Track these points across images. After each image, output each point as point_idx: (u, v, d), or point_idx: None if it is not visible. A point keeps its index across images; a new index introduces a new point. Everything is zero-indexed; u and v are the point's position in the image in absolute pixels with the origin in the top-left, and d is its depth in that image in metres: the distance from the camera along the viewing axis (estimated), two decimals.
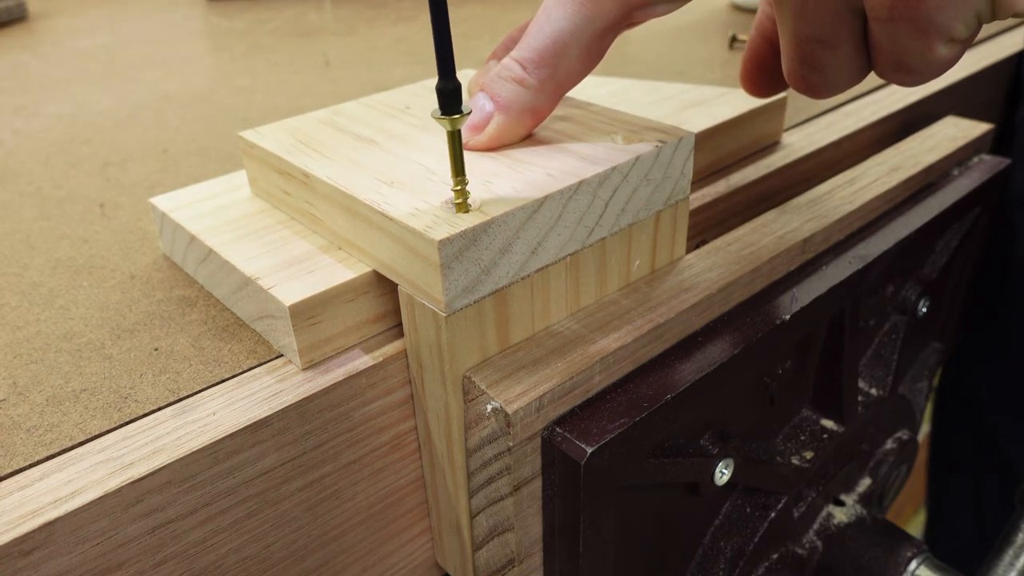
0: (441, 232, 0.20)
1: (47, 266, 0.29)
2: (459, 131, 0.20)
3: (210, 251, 0.25)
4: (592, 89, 0.38)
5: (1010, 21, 0.56)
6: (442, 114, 0.20)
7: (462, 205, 0.21)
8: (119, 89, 0.51)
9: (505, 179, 0.22)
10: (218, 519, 0.21)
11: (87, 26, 0.68)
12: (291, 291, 0.22)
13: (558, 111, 0.27)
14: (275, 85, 0.50)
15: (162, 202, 0.28)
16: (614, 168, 0.23)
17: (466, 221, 0.20)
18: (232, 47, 0.60)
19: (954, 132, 0.39)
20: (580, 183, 0.22)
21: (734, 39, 0.53)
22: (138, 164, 0.38)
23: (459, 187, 0.21)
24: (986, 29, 0.54)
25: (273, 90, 0.49)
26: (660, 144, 0.24)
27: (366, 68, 0.53)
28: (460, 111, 0.20)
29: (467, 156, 0.20)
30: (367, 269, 0.23)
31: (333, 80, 0.50)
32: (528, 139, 0.25)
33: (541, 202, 0.21)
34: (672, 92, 0.36)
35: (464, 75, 0.31)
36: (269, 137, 0.27)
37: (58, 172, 0.38)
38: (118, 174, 0.37)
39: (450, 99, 0.20)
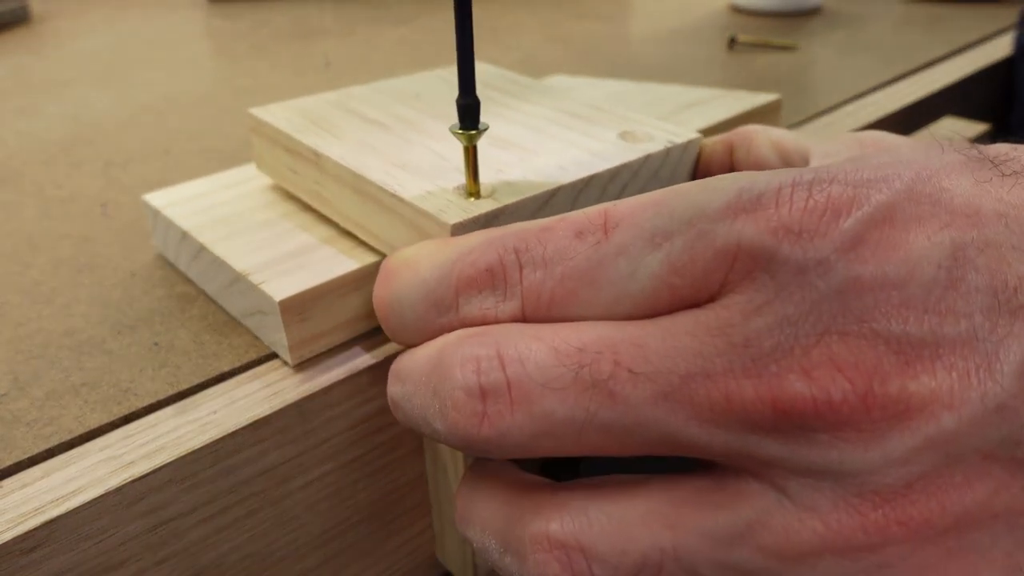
0: (454, 216, 0.20)
1: (49, 265, 0.29)
2: (475, 146, 0.21)
3: (201, 247, 0.25)
4: (588, 91, 0.38)
5: (1010, 19, 0.56)
6: (460, 128, 0.20)
7: (475, 192, 0.21)
8: (121, 90, 0.51)
9: (517, 169, 0.23)
10: (219, 517, 0.21)
11: (89, 28, 0.68)
12: (281, 286, 0.22)
13: (570, 108, 0.27)
14: (277, 86, 0.50)
15: (155, 199, 0.28)
16: (624, 164, 0.23)
17: (479, 207, 0.20)
18: (233, 48, 0.61)
19: (952, 132, 0.39)
20: (591, 177, 0.22)
21: (733, 40, 0.53)
22: (140, 165, 0.38)
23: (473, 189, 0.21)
24: (983, 29, 0.54)
25: (275, 91, 0.49)
26: (670, 144, 0.24)
27: (367, 69, 0.53)
28: (477, 127, 0.20)
29: (479, 145, 0.21)
30: (360, 264, 0.23)
31: (335, 81, 0.51)
32: (540, 133, 0.25)
33: (552, 193, 0.22)
34: (668, 94, 0.36)
35: None
36: (279, 115, 0.27)
37: (60, 172, 0.38)
38: (120, 174, 0.37)
39: (469, 114, 0.20)
